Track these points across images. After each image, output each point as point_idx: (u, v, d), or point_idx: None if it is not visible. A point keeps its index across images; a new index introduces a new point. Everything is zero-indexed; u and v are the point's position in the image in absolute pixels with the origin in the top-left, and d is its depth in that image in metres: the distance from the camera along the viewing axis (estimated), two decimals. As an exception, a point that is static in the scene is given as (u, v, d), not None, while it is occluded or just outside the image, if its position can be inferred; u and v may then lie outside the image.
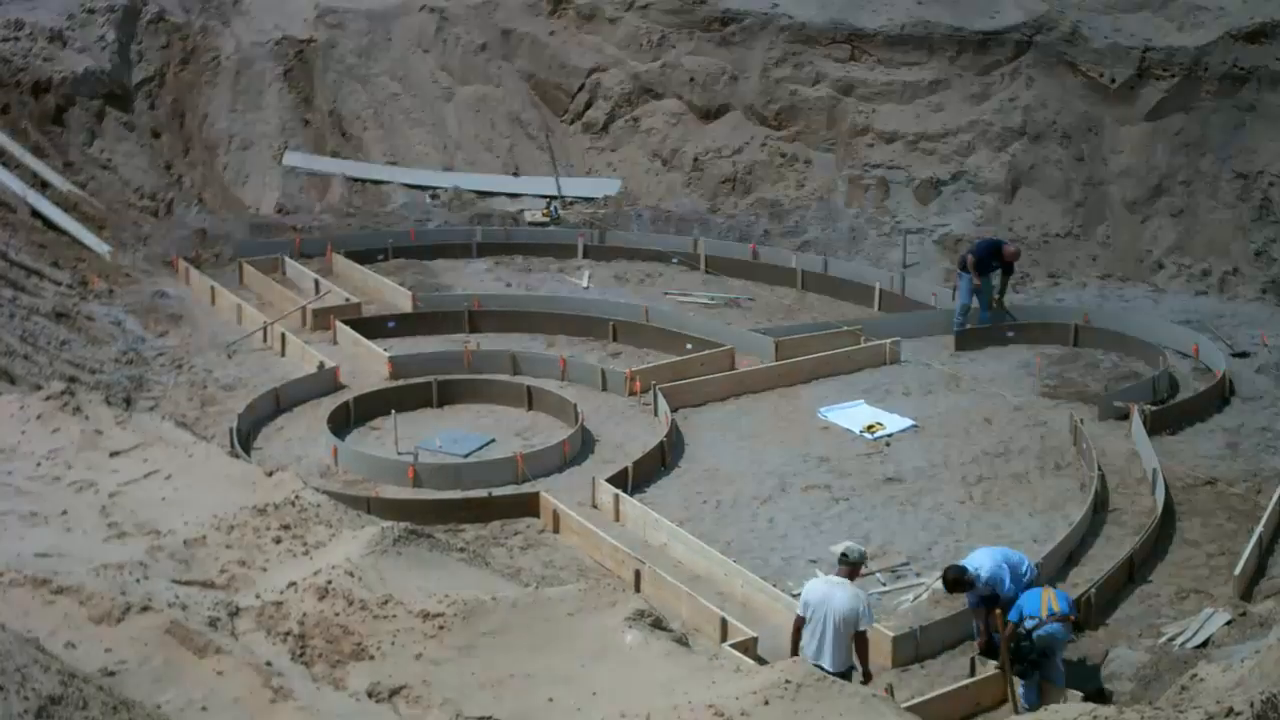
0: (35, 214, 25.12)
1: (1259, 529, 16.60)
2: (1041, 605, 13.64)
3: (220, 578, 9.32)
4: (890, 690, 13.34)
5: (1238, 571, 15.80)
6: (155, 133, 28.80)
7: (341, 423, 19.82)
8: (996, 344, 22.67)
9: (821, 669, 10.87)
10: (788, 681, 8.15)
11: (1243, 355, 22.20)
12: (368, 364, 21.83)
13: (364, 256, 25.84)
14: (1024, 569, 14.28)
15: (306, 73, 30.07)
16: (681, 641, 9.30)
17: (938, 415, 20.34)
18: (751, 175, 27.97)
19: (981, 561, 14.23)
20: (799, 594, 15.39)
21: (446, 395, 20.84)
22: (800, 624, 13.27)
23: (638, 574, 15.83)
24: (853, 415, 20.32)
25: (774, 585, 15.73)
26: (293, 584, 9.06)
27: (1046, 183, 26.38)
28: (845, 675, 12.59)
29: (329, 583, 8.99)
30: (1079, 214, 26.11)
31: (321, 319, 23.12)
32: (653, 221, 27.71)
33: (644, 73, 29.27)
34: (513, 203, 28.61)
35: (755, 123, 28.33)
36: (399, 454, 19.04)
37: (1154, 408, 19.87)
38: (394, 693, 8.23)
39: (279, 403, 20.49)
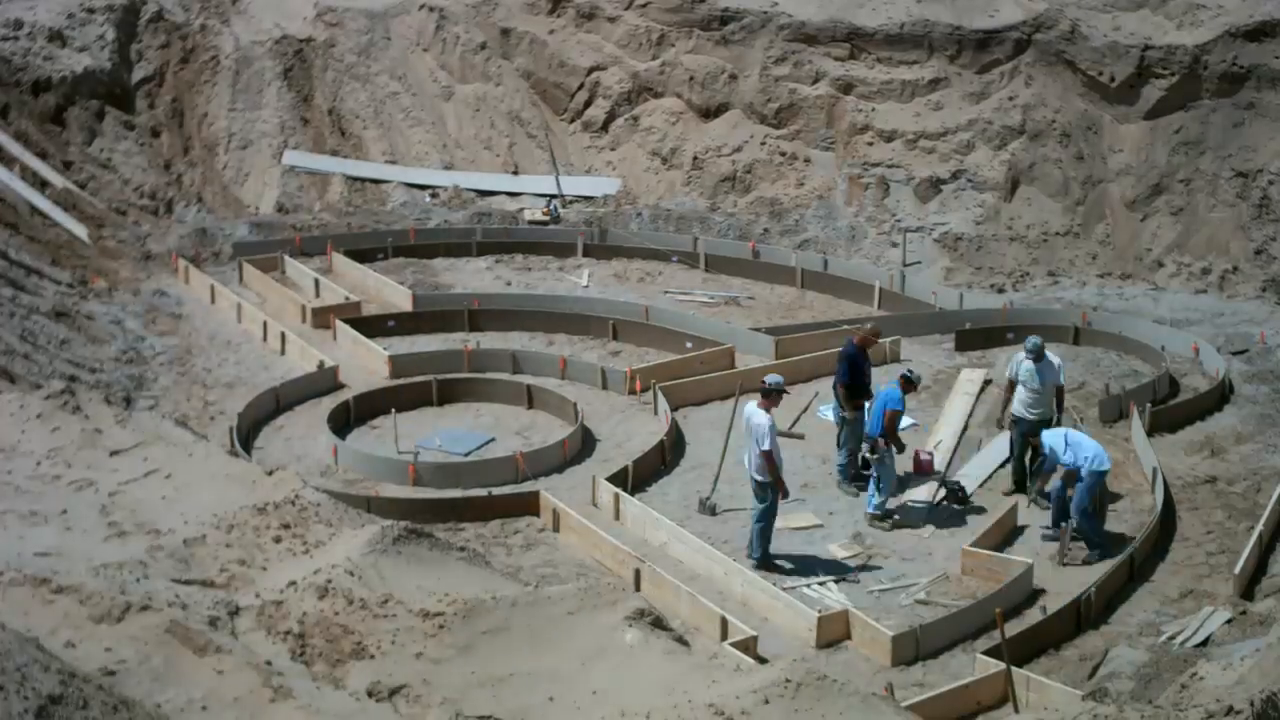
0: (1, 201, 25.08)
1: (1259, 527, 16.61)
2: None
3: (220, 577, 9.32)
4: (890, 689, 13.35)
5: (1238, 570, 15.80)
6: (155, 132, 28.81)
7: (341, 422, 19.83)
8: (997, 344, 22.66)
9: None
10: (788, 680, 8.15)
11: (1241, 352, 22.23)
12: (368, 363, 21.84)
13: (364, 255, 25.84)
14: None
15: (306, 72, 30.07)
16: (681, 640, 9.31)
17: (938, 414, 20.34)
18: (751, 174, 27.97)
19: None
20: (793, 587, 15.50)
21: (446, 394, 20.85)
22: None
23: (638, 573, 15.83)
24: (852, 414, 20.30)
25: (773, 584, 15.75)
26: (293, 583, 9.06)
27: (1046, 181, 26.38)
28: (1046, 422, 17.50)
29: (329, 582, 9.00)
30: (1078, 212, 26.11)
31: (321, 318, 23.12)
32: (652, 220, 27.70)
33: (643, 71, 29.27)
34: (512, 201, 28.61)
35: (755, 121, 28.34)
36: (399, 453, 19.04)
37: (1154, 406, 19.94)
38: (394, 692, 8.23)
39: (279, 402, 20.49)
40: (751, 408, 16.37)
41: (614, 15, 29.88)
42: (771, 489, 16.18)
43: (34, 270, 23.07)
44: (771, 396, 16.43)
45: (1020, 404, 18.06)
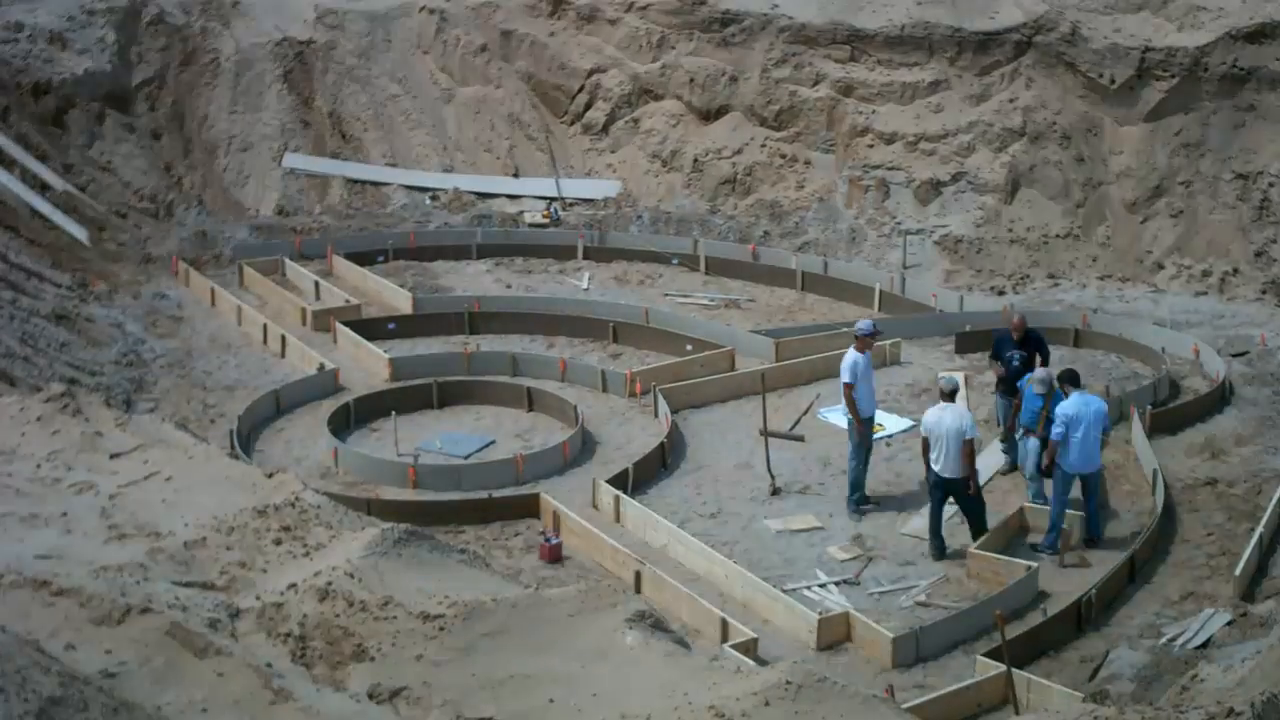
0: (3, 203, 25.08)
1: (1259, 529, 16.61)
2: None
3: (220, 579, 9.31)
4: (891, 691, 13.35)
5: (1238, 572, 15.80)
6: (155, 134, 28.81)
7: (342, 424, 19.83)
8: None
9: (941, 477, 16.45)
10: (788, 682, 8.14)
11: (1242, 354, 22.25)
12: (368, 365, 21.84)
13: (364, 258, 25.85)
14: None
15: (306, 74, 30.08)
16: (682, 643, 9.30)
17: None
18: (751, 176, 27.97)
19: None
20: (794, 589, 15.50)
21: (446, 397, 20.84)
22: (926, 444, 16.72)
23: (638, 575, 15.84)
24: (853, 416, 20.30)
25: (774, 586, 15.75)
26: (293, 585, 9.05)
27: (1046, 183, 26.38)
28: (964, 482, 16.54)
29: (329, 584, 8.99)
30: (1079, 215, 26.12)
31: (321, 321, 23.13)
32: (653, 223, 27.71)
33: (644, 74, 29.28)
34: (513, 204, 28.62)
35: (755, 124, 28.34)
36: (399, 455, 19.04)
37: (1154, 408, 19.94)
38: (394, 694, 8.22)
39: (279, 404, 20.49)
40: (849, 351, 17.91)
41: (614, 17, 29.89)
42: (851, 428, 17.62)
43: (34, 273, 23.08)
44: (864, 340, 18.04)
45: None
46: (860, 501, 17.74)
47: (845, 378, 17.61)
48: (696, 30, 29.12)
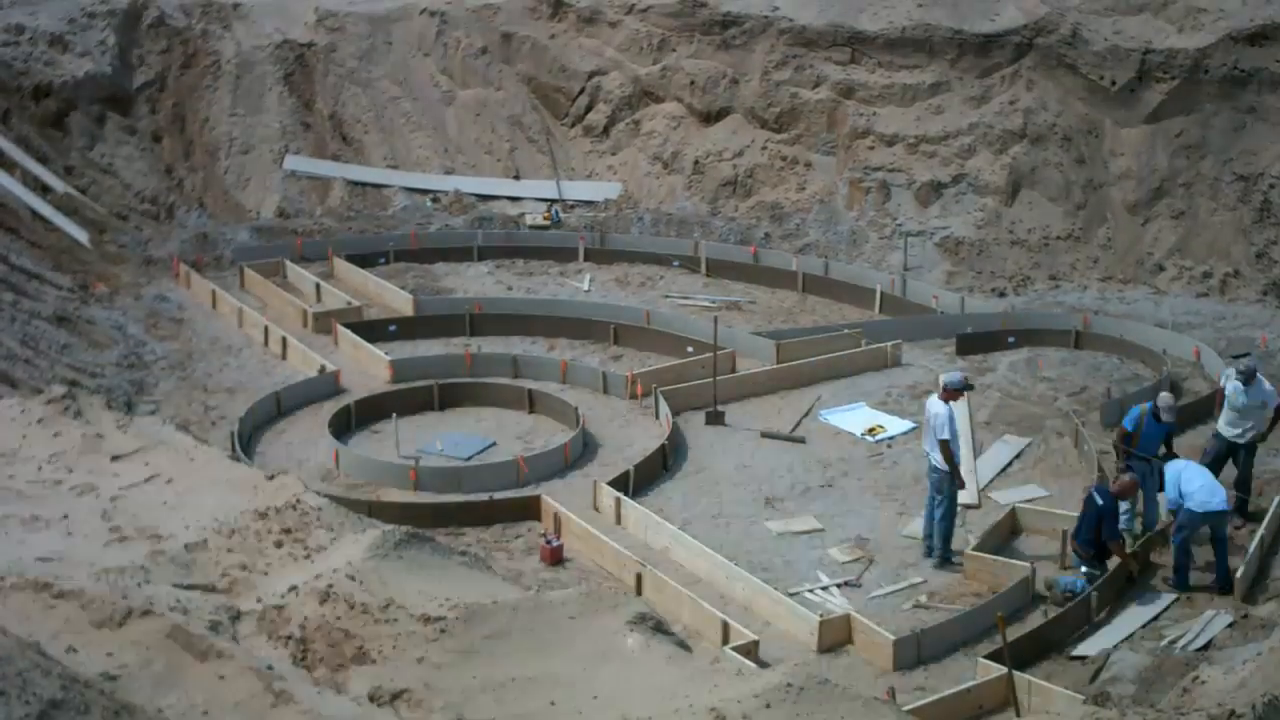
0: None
1: (1260, 531, 16.61)
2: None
3: (222, 582, 9.31)
4: (892, 693, 13.35)
5: (1239, 574, 15.80)
6: (156, 137, 28.81)
7: (343, 426, 19.83)
8: (999, 348, 22.64)
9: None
10: (789, 685, 8.14)
11: (1243, 356, 22.22)
12: (369, 367, 21.84)
13: (365, 260, 25.84)
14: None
15: (307, 76, 30.08)
16: (683, 645, 9.30)
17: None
18: (752, 178, 27.97)
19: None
20: (795, 591, 15.50)
21: (448, 398, 20.85)
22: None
23: (639, 577, 15.84)
24: (854, 418, 20.34)
25: (775, 588, 15.74)
26: (294, 588, 9.05)
27: (1047, 185, 26.37)
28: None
29: (330, 586, 8.99)
30: (1080, 216, 26.10)
31: (322, 323, 23.13)
32: (653, 224, 27.70)
33: (644, 76, 29.28)
34: (513, 206, 28.61)
35: (756, 126, 28.34)
36: (400, 457, 19.05)
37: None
38: (395, 696, 8.22)
39: (280, 406, 20.49)
40: (933, 399, 16.97)
41: (615, 20, 29.88)
42: (949, 480, 16.41)
43: (35, 275, 23.08)
44: (953, 393, 16.97)
45: (1224, 421, 17.92)
46: (951, 556, 16.69)
47: (943, 434, 16.35)
48: (697, 32, 29.12)
